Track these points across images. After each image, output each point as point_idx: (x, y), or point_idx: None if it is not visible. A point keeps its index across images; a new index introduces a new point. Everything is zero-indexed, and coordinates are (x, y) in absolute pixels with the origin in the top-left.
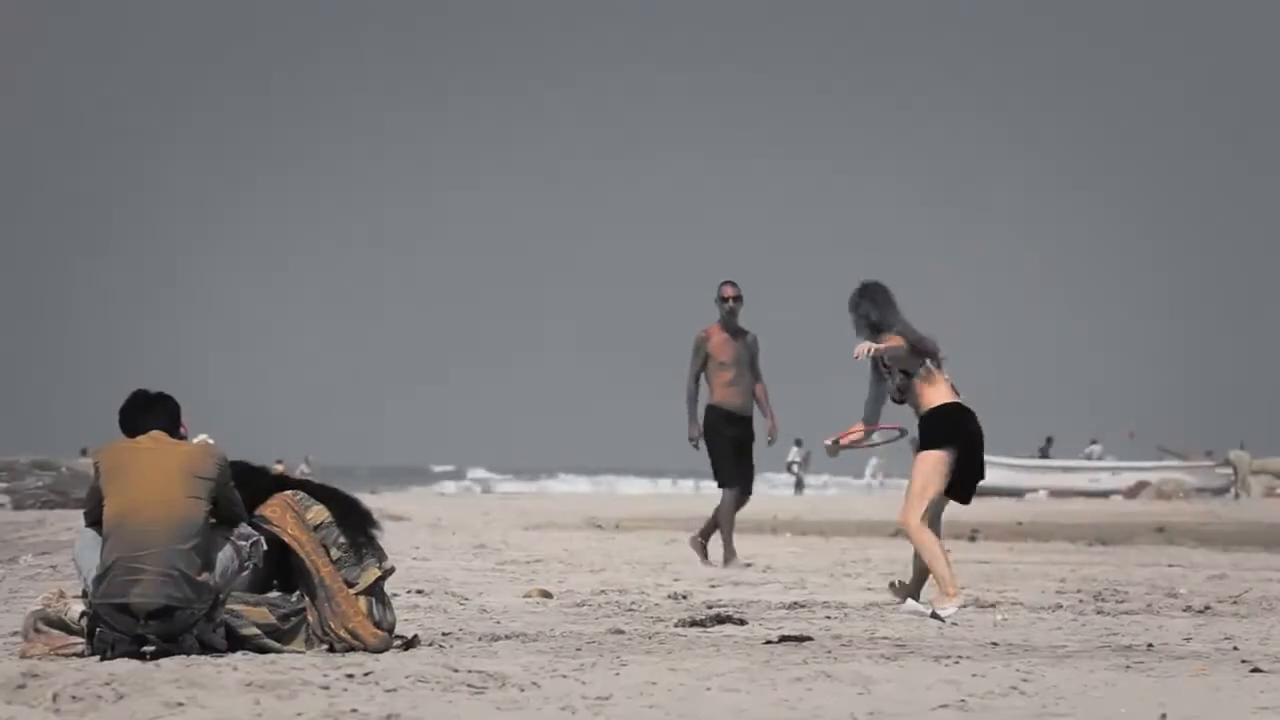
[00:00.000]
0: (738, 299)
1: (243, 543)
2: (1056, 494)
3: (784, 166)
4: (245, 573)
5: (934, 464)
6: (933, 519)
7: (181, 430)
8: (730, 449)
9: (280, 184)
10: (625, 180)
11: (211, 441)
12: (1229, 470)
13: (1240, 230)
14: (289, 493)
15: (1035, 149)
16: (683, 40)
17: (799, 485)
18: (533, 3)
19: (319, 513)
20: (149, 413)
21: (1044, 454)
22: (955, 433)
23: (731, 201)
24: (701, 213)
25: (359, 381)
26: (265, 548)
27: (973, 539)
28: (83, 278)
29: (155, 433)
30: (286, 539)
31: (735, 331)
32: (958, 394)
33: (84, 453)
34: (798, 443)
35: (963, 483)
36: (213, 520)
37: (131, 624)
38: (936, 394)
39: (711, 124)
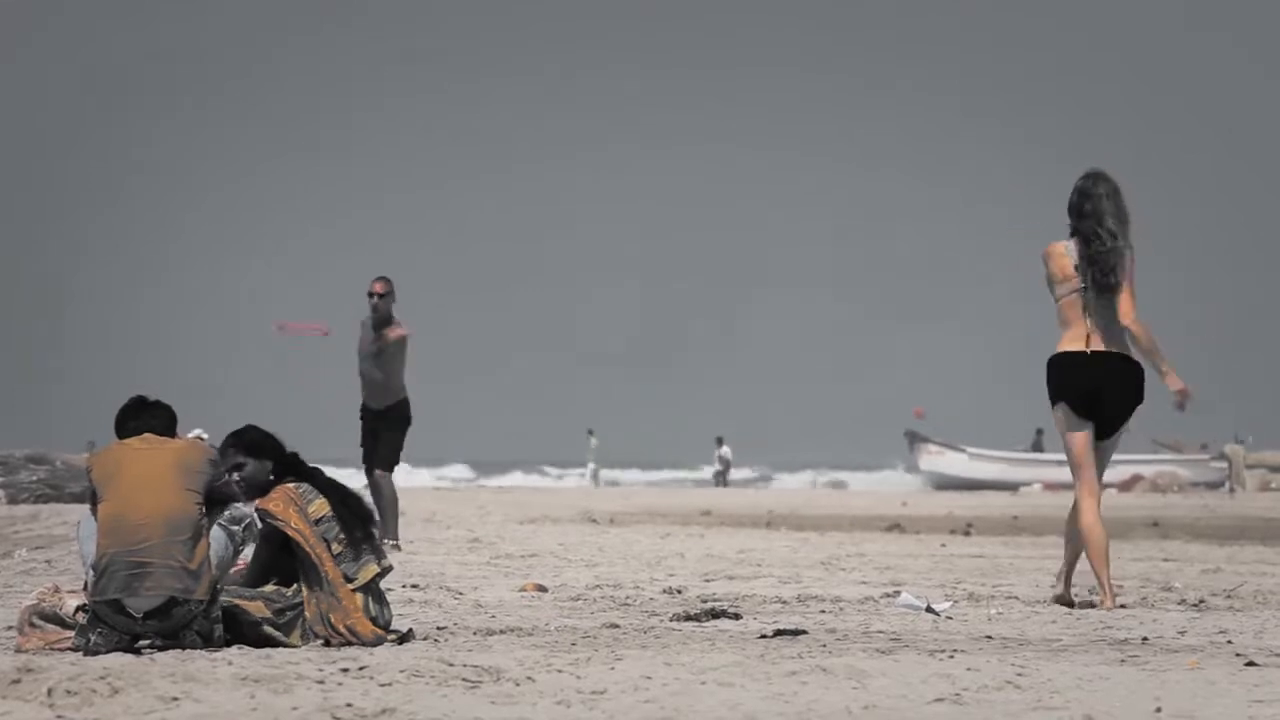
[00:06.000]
0: None
1: (235, 527)
2: (1050, 487)
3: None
4: (241, 555)
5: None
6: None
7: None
8: None
9: (281, 183)
10: (597, 174)
11: (205, 436)
12: (1224, 464)
13: (1237, 226)
14: (291, 485)
15: (1034, 141)
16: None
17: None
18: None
19: (321, 506)
20: (142, 418)
21: (1037, 447)
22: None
23: (726, 200)
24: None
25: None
26: (259, 526)
27: (967, 533)
28: (83, 275)
29: (147, 435)
30: (290, 532)
31: None
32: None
33: (91, 445)
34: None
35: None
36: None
37: (129, 623)
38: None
39: (743, 120)
